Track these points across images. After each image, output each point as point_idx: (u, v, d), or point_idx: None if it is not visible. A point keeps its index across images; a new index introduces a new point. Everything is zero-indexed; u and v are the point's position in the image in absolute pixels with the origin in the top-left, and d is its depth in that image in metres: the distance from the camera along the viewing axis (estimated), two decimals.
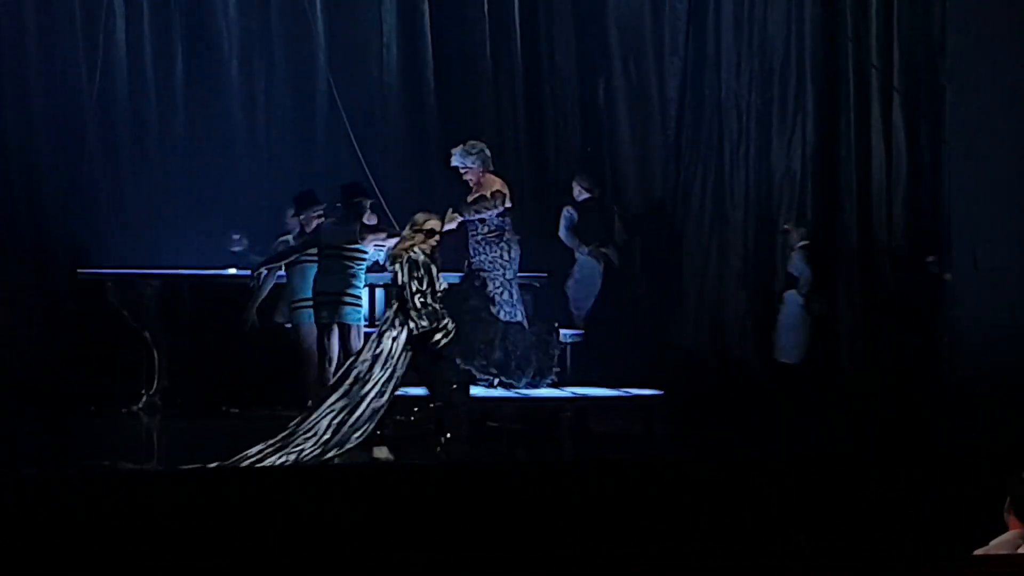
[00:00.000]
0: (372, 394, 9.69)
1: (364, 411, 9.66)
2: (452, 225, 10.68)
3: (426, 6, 14.26)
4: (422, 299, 9.71)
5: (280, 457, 9.46)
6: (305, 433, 9.59)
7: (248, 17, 14.14)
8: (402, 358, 9.76)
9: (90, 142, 13.65)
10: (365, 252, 11.12)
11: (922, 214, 12.51)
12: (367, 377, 9.71)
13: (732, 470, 9.63)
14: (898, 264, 12.59)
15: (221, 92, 14.07)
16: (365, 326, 11.28)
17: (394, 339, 9.76)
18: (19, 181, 13.33)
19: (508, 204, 11.65)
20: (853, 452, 10.88)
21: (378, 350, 9.75)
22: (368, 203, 11.25)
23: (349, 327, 11.06)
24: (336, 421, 9.63)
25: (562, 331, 11.94)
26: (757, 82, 13.46)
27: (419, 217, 9.99)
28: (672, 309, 13.65)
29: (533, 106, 14.32)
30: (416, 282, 9.72)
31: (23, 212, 13.27)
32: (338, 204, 11.45)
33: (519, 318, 11.58)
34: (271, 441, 9.55)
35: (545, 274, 12.82)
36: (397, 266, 9.78)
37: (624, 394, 11.68)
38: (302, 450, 9.53)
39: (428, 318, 9.75)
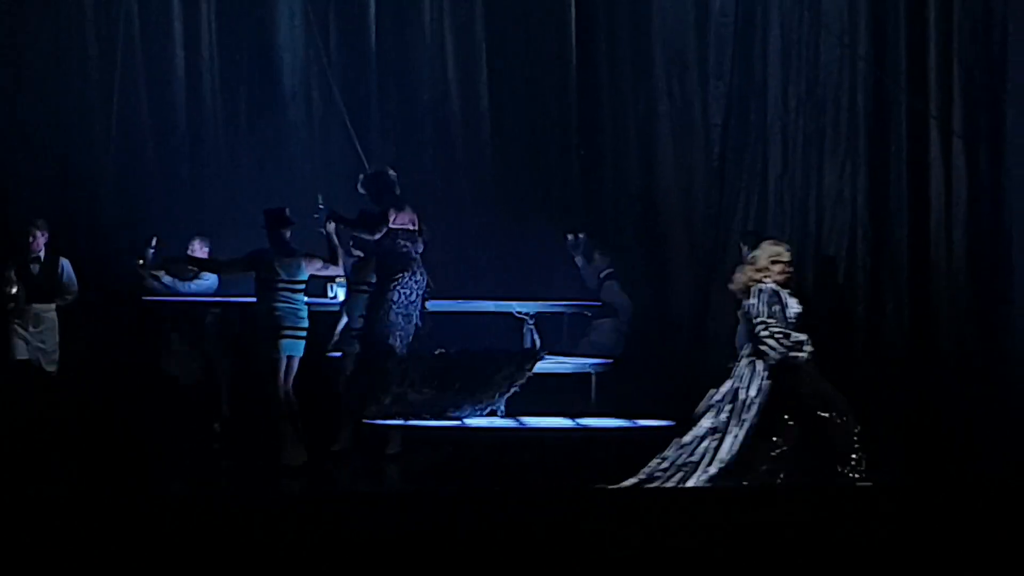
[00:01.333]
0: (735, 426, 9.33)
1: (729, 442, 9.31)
2: None
3: (483, 35, 14.22)
4: (779, 329, 9.26)
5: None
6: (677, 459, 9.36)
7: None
8: (761, 389, 9.33)
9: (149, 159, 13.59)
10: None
11: (982, 240, 12.29)
12: (731, 408, 9.36)
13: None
14: (956, 291, 12.37)
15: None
16: None
17: (753, 370, 9.37)
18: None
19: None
20: (898, 483, 10.27)
21: (739, 384, 9.39)
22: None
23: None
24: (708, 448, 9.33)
25: (590, 360, 11.71)
26: (804, 107, 13.31)
27: (772, 248, 9.52)
28: (710, 335, 13.22)
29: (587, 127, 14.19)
30: (775, 311, 9.30)
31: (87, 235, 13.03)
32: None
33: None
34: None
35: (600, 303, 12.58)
36: (754, 299, 9.34)
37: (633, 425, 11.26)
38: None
39: (786, 346, 9.29)
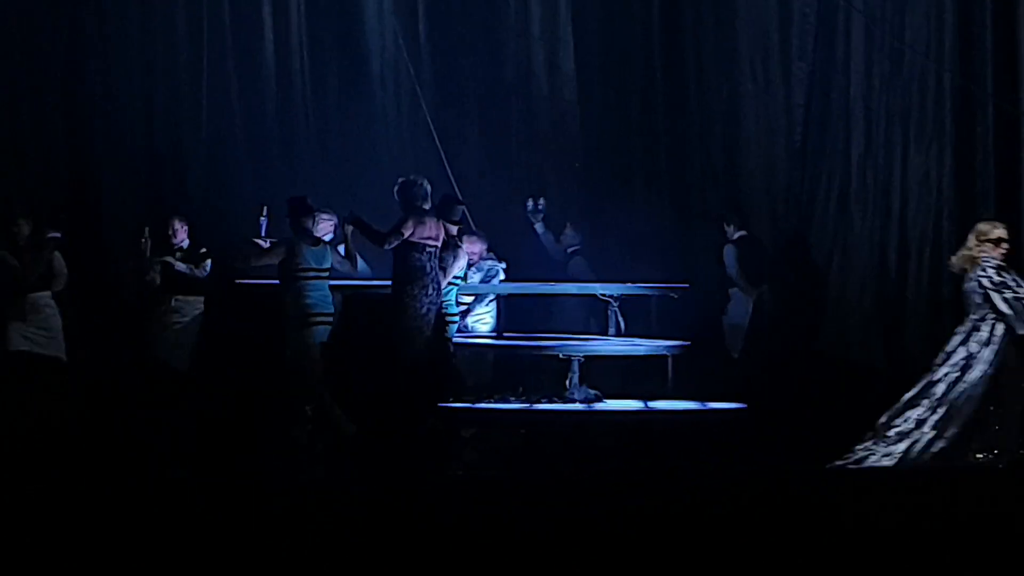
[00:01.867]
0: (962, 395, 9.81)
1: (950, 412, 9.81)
2: None
3: (568, 16, 14.35)
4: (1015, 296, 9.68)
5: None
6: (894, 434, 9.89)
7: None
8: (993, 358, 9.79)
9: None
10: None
11: None
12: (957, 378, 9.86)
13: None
14: None
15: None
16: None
17: (982, 341, 9.82)
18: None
19: None
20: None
21: (966, 352, 9.86)
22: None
23: None
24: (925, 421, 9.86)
25: (663, 342, 11.65)
26: (888, 87, 13.30)
27: (983, 227, 9.98)
28: (793, 315, 13.35)
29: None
30: (1006, 281, 9.75)
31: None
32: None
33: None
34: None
35: (687, 285, 12.36)
36: (980, 274, 9.75)
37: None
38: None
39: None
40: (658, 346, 11.54)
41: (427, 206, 11.17)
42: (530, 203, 13.46)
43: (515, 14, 14.32)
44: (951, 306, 13.01)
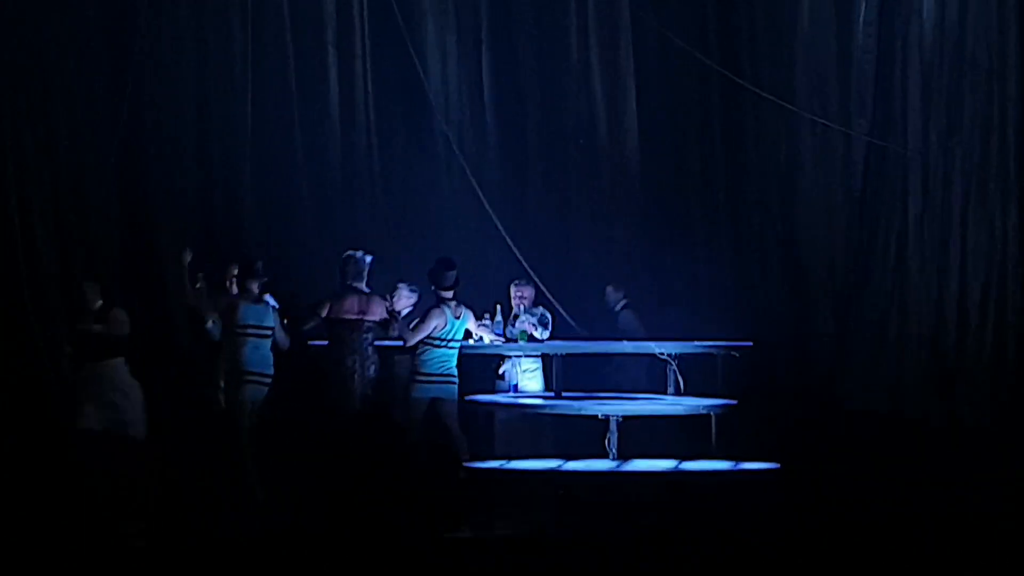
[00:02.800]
0: None
1: None
2: None
3: (630, 67, 14.36)
4: None
5: None
6: None
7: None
8: None
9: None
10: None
11: None
12: None
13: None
14: None
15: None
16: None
17: None
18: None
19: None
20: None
21: None
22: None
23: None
24: None
25: (709, 401, 11.62)
26: (947, 139, 13.31)
27: None
28: (846, 366, 13.39)
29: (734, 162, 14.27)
30: None
31: None
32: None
33: None
34: None
35: (750, 343, 12.27)
36: None
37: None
38: None
39: None
40: (698, 406, 11.54)
41: (358, 283, 11.40)
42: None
43: (577, 67, 14.47)
44: (1017, 363, 13.04)
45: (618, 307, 13.48)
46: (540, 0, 14.53)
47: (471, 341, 11.83)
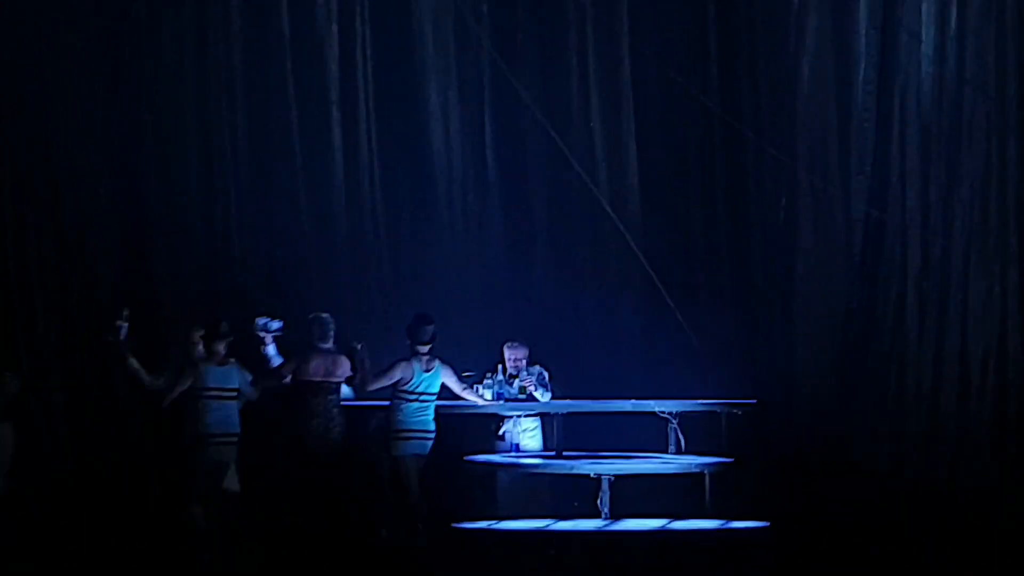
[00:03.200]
0: None
1: None
2: None
3: (631, 127, 14.52)
4: None
5: None
6: None
7: None
8: None
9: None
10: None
11: None
12: None
13: None
14: None
15: None
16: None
17: None
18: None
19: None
20: None
21: None
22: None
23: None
24: None
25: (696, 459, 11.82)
26: (947, 202, 13.50)
27: None
28: (851, 427, 13.45)
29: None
30: None
31: None
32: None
33: None
34: None
35: (754, 400, 12.52)
36: None
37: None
38: None
39: None
40: (690, 464, 11.63)
41: (324, 343, 11.55)
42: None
43: (578, 131, 14.56)
44: (1016, 421, 13.10)
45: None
46: (542, 57, 14.62)
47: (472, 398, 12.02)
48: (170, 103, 13.75)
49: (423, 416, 11.52)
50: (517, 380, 12.39)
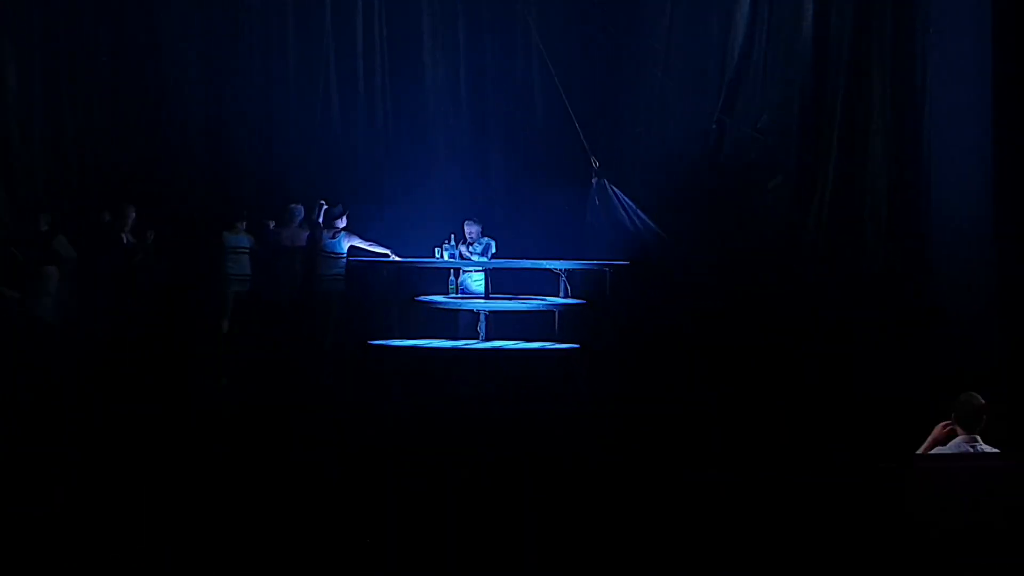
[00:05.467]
0: None
1: None
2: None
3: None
4: None
5: None
6: None
7: None
8: None
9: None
10: None
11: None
12: None
13: None
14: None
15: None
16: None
17: None
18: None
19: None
20: None
21: None
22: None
23: None
24: None
25: (551, 299, 16.56)
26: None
27: None
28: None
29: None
30: None
31: None
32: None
33: None
34: None
35: (627, 262, 16.71)
36: None
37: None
38: None
39: None
40: (545, 303, 16.39)
41: (295, 222, 17.31)
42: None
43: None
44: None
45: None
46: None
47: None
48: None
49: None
50: (469, 247, 17.33)
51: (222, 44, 19.00)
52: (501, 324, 16.81)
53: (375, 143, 19.30)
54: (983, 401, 8.46)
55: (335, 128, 19.20)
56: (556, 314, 16.43)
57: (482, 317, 16.56)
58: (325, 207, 17.32)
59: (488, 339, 16.36)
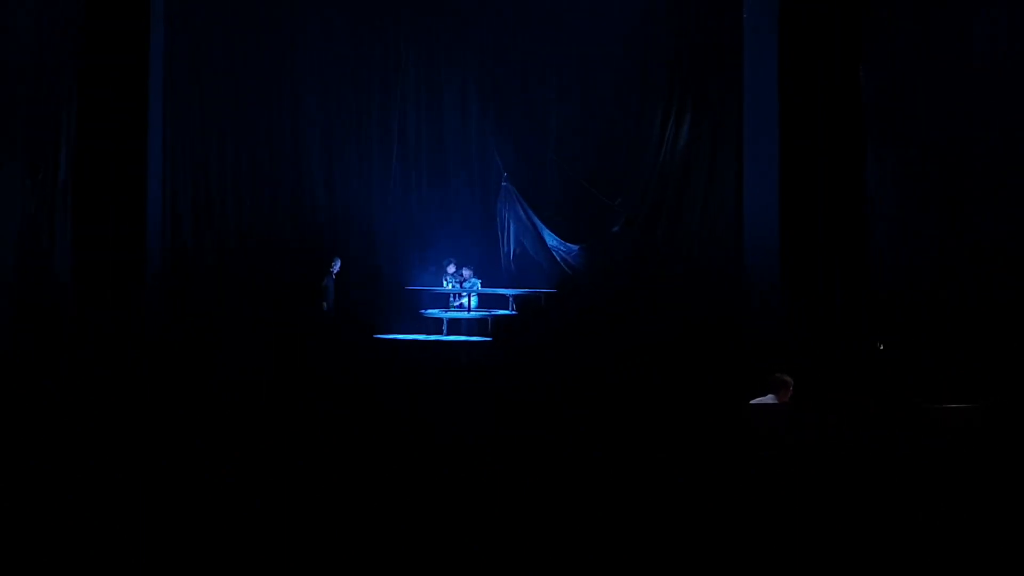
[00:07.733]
0: None
1: None
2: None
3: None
4: None
5: None
6: None
7: None
8: None
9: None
10: None
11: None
12: None
13: None
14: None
15: None
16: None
17: None
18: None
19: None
20: None
21: None
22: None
23: None
24: None
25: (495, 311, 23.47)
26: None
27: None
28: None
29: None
30: None
31: None
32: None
33: None
34: None
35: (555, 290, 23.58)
36: None
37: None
38: None
39: None
40: (482, 314, 22.99)
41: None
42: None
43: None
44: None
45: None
46: None
47: None
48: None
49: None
50: (465, 282, 23.80)
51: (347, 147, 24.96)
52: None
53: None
54: (788, 378, 13.41)
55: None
56: (489, 320, 23.10)
57: (444, 322, 23.38)
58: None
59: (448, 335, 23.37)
